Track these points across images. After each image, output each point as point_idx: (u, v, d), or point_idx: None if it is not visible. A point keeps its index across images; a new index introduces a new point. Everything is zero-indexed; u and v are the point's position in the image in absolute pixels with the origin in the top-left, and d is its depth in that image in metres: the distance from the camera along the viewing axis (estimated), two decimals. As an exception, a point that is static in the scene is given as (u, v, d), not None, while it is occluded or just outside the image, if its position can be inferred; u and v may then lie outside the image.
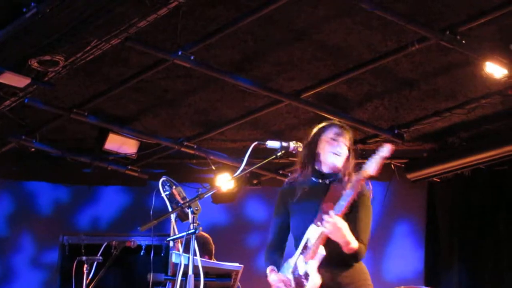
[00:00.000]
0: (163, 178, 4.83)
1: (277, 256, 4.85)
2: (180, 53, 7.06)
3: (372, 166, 4.46)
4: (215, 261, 6.51)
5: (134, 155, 9.68)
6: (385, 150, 4.48)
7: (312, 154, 4.81)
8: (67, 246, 10.79)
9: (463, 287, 9.49)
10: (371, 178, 4.60)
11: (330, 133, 4.81)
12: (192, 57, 7.16)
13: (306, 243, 4.61)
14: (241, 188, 10.66)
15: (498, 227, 9.48)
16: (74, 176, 10.64)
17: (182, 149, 9.51)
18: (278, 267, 4.76)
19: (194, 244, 4.53)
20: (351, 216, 4.58)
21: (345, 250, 4.52)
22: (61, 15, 6.25)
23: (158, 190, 4.79)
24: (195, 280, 4.48)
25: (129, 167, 10.13)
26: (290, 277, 4.62)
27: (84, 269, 6.21)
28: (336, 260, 4.56)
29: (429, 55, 7.46)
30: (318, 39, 7.26)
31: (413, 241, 10.38)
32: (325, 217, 4.47)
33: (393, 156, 9.62)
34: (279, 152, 4.79)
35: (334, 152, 4.74)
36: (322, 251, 4.53)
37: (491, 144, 8.86)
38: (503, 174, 9.37)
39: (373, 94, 8.43)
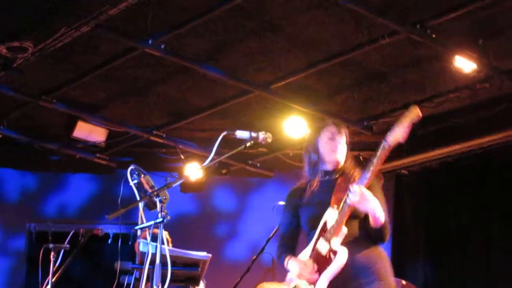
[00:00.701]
0: (132, 167, 4.83)
1: (290, 251, 4.92)
2: (150, 41, 7.04)
3: (400, 132, 4.71)
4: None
5: (102, 143, 9.64)
6: (413, 113, 4.61)
7: (315, 156, 4.92)
8: (34, 233, 10.75)
9: (429, 279, 9.56)
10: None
11: (328, 134, 4.92)
12: (162, 46, 7.14)
13: (324, 226, 4.68)
14: (210, 177, 10.66)
15: (464, 220, 9.56)
16: (42, 163, 10.57)
17: (151, 138, 9.48)
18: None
19: (162, 233, 4.54)
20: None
21: (373, 222, 4.63)
22: (31, 1, 6.21)
23: (126, 178, 4.78)
24: (162, 269, 4.49)
25: (98, 155, 10.10)
26: (310, 261, 4.67)
27: (51, 256, 6.18)
28: (355, 242, 4.66)
29: (399, 49, 7.49)
30: (290, 30, 7.26)
31: (380, 233, 10.44)
32: (351, 187, 4.55)
33: (362, 148, 9.74)
34: (248, 142, 4.82)
35: (334, 151, 4.87)
36: (344, 229, 4.60)
37: (458, 137, 8.93)
38: (469, 167, 9.44)
39: (342, 86, 8.46)
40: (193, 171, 9.98)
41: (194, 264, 5.60)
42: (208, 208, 11.00)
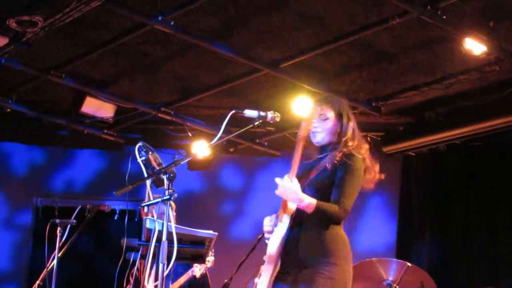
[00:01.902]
0: (140, 144, 4.83)
1: None
2: (160, 18, 7.03)
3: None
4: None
5: (110, 119, 9.64)
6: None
7: (308, 140, 4.90)
8: (41, 208, 10.78)
9: (434, 260, 9.57)
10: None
11: (309, 114, 4.93)
12: (172, 23, 7.12)
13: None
14: (217, 155, 10.67)
15: (469, 202, 9.57)
16: (50, 138, 10.59)
17: (159, 114, 9.48)
18: None
19: (168, 211, 4.54)
20: (335, 179, 4.66)
21: (306, 210, 4.58)
22: (41, -25, 6.20)
23: (134, 155, 4.79)
24: (168, 246, 4.50)
25: (105, 131, 10.11)
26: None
27: (58, 231, 6.19)
28: (306, 223, 4.65)
29: (409, 29, 7.46)
30: (299, 8, 7.24)
31: (386, 214, 10.45)
32: (276, 179, 4.62)
33: (370, 129, 9.73)
34: (256, 121, 4.82)
35: (312, 132, 4.86)
36: (290, 208, 4.67)
37: (467, 120, 8.90)
38: (477, 150, 9.44)
39: (351, 66, 8.43)
40: (201, 149, 9.98)
41: (200, 242, 5.60)
42: (215, 186, 11.02)
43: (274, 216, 4.82)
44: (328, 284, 4.53)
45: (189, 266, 7.99)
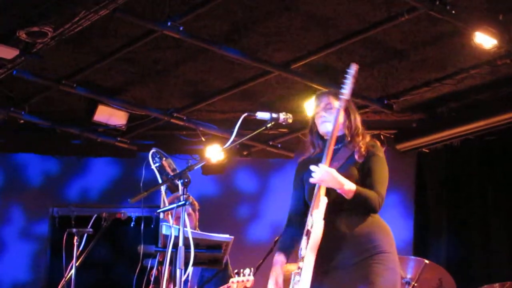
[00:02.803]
0: (153, 150, 4.83)
1: (293, 232, 4.88)
2: (169, 23, 7.03)
3: (347, 90, 4.75)
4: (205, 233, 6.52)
5: (123, 127, 9.66)
6: (353, 69, 4.79)
7: (313, 131, 4.92)
8: (57, 218, 10.81)
9: (452, 257, 9.53)
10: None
11: (316, 107, 4.93)
12: (181, 28, 7.13)
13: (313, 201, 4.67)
14: (231, 159, 10.67)
15: (486, 197, 9.52)
16: (64, 147, 10.62)
17: (172, 120, 9.49)
18: (292, 242, 4.84)
19: (184, 216, 4.54)
20: (365, 170, 4.67)
21: (346, 196, 4.54)
22: (49, -15, 6.22)
23: (148, 161, 4.79)
24: (185, 251, 4.50)
25: (119, 138, 10.13)
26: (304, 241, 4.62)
27: (75, 240, 6.20)
28: (346, 209, 4.60)
29: (418, 25, 7.45)
30: (307, 9, 7.24)
31: (402, 212, 10.41)
32: (312, 167, 4.57)
33: (383, 126, 9.71)
34: (269, 123, 4.81)
35: (322, 121, 4.85)
36: (323, 200, 4.58)
37: (480, 114, 8.88)
38: (492, 144, 9.40)
39: (362, 64, 8.40)
40: (214, 153, 9.98)
41: (217, 246, 5.60)
42: (229, 190, 11.01)
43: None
44: (389, 274, 4.50)
45: (221, 272, 7.70)
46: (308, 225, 4.60)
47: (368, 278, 4.47)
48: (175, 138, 10.32)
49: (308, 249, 4.54)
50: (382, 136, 9.87)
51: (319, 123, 4.86)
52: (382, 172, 4.72)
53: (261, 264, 6.96)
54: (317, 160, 4.73)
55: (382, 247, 4.59)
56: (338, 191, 4.54)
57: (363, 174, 4.66)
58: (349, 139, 4.80)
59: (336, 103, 4.84)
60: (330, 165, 4.66)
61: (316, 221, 4.55)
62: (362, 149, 4.70)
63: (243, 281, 6.60)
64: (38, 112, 9.42)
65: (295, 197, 4.98)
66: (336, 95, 4.89)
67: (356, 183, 4.59)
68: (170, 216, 4.69)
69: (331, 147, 4.64)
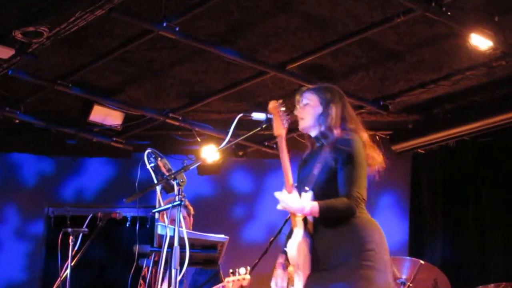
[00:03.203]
0: (148, 150, 4.83)
1: None
2: (165, 24, 7.03)
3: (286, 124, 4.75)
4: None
5: (119, 127, 9.66)
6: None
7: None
8: (53, 218, 10.80)
9: (447, 258, 9.54)
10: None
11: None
12: (177, 28, 7.13)
13: None
14: (227, 159, 10.67)
15: (481, 198, 9.54)
16: (59, 147, 10.61)
17: (167, 120, 9.49)
18: None
19: (180, 216, 4.55)
20: (338, 173, 4.59)
21: (314, 216, 4.52)
22: (45, -15, 6.21)
23: (144, 162, 4.79)
24: (180, 251, 4.50)
25: (114, 138, 10.12)
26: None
27: (70, 240, 6.19)
28: (324, 222, 4.56)
29: (414, 27, 7.46)
30: (304, 10, 7.24)
31: (397, 213, 10.42)
32: (276, 194, 4.60)
33: (378, 127, 9.71)
34: (264, 124, 4.82)
35: (298, 120, 4.87)
36: (299, 219, 4.61)
37: (475, 115, 8.88)
38: (487, 145, 9.41)
39: (358, 65, 8.43)
40: (210, 153, 9.98)
41: (213, 246, 5.60)
42: (225, 190, 11.01)
43: (278, 277, 4.72)
44: (369, 274, 4.43)
45: (214, 278, 7.72)
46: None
47: (351, 277, 4.43)
48: (171, 139, 10.31)
49: (293, 268, 4.60)
50: (377, 137, 9.88)
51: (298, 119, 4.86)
52: (352, 169, 4.57)
53: (256, 264, 6.96)
54: (304, 162, 4.83)
55: (366, 246, 4.52)
56: (303, 215, 4.55)
57: (334, 173, 4.61)
58: (326, 135, 4.74)
59: (309, 99, 4.83)
60: (312, 167, 4.66)
61: (292, 242, 4.59)
62: (328, 149, 4.63)
63: (238, 280, 6.60)
64: (33, 112, 9.41)
65: None
66: (315, 91, 4.87)
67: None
68: (165, 217, 4.69)
69: (287, 171, 4.64)
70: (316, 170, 4.63)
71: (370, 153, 4.76)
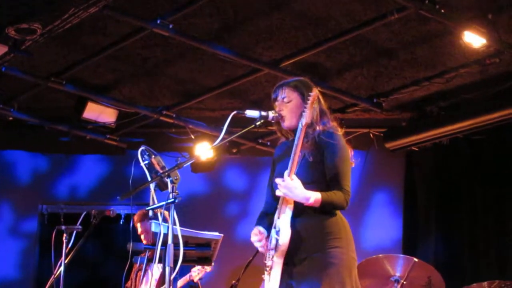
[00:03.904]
0: (142, 148, 4.83)
1: (266, 222, 4.86)
2: (158, 21, 7.03)
3: (307, 114, 4.55)
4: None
5: (112, 124, 9.64)
6: (313, 95, 4.59)
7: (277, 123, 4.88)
8: (46, 215, 10.79)
9: (440, 256, 9.56)
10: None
11: (273, 100, 4.91)
12: (170, 26, 7.12)
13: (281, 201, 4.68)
14: (220, 157, 10.66)
15: (475, 196, 9.55)
16: (52, 144, 10.59)
17: (161, 118, 9.48)
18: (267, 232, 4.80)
19: (174, 214, 4.54)
20: (324, 163, 4.62)
21: (309, 205, 4.54)
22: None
23: (137, 159, 4.79)
24: (174, 249, 4.50)
25: (108, 136, 10.11)
26: (274, 236, 4.64)
27: (64, 238, 6.20)
28: (310, 211, 4.59)
29: (408, 25, 7.46)
30: (297, 8, 7.24)
31: (391, 210, 10.44)
32: (277, 180, 4.59)
33: (372, 125, 9.72)
34: (258, 121, 4.81)
35: (280, 117, 4.82)
36: (289, 207, 4.61)
37: (469, 113, 8.89)
38: (480, 143, 9.42)
39: (352, 63, 8.43)
40: (204, 150, 9.97)
41: (206, 244, 5.60)
42: (219, 188, 11.01)
43: (257, 229, 4.79)
44: (332, 268, 4.50)
45: (186, 271, 7.85)
46: (276, 228, 4.64)
47: (318, 272, 4.50)
48: (164, 136, 10.30)
49: (278, 253, 4.59)
50: (371, 135, 9.89)
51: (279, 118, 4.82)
52: (342, 163, 4.64)
53: (250, 261, 6.97)
54: (282, 155, 4.81)
55: (332, 242, 4.56)
56: (305, 204, 4.56)
57: (322, 167, 4.63)
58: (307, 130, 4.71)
59: (292, 95, 4.81)
60: (293, 158, 4.62)
61: (283, 228, 4.58)
62: (311, 141, 4.65)
63: (203, 266, 6.68)
64: (27, 109, 9.40)
65: (268, 194, 5.00)
66: (295, 87, 4.85)
67: (317, 178, 4.61)
68: (159, 214, 4.69)
69: (295, 158, 4.57)
70: (297, 159, 4.62)
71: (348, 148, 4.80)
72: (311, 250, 4.55)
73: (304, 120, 4.54)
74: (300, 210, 4.60)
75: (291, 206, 4.61)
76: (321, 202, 4.52)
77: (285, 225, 4.58)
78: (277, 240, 4.59)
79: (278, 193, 4.60)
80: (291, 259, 4.59)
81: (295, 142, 4.56)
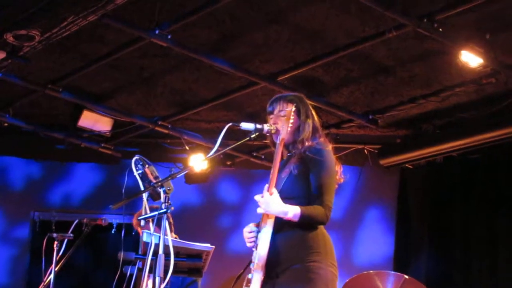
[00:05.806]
0: (136, 157, 4.83)
1: None
2: (157, 31, 7.04)
3: (284, 130, 4.67)
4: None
5: (108, 133, 9.64)
6: (287, 111, 4.73)
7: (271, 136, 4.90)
8: (38, 222, 10.76)
9: (431, 274, 9.55)
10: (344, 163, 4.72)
11: (269, 114, 4.94)
12: (169, 36, 7.13)
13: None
14: (214, 169, 10.66)
15: (467, 214, 9.55)
16: (47, 152, 10.58)
17: (157, 128, 9.48)
18: None
19: (165, 224, 4.54)
20: (310, 178, 4.64)
21: (293, 220, 4.55)
22: (38, -11, 6.21)
23: (131, 168, 4.79)
24: (165, 259, 4.49)
25: (103, 144, 10.10)
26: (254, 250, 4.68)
27: (55, 245, 6.19)
28: (290, 225, 4.60)
29: (406, 42, 7.47)
30: (296, 22, 7.25)
31: (383, 227, 10.44)
32: (255, 197, 4.64)
33: (367, 141, 9.73)
34: (253, 134, 4.82)
35: (275, 129, 4.83)
36: (271, 221, 4.63)
37: (464, 132, 8.90)
38: (474, 162, 9.43)
39: (349, 79, 8.44)
40: (198, 162, 9.98)
41: (198, 255, 5.60)
42: (212, 200, 11.00)
43: (251, 225, 4.83)
44: (310, 283, 4.50)
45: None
46: (256, 242, 4.67)
47: (297, 286, 4.50)
48: (159, 146, 10.30)
49: (256, 267, 4.60)
50: (366, 151, 9.90)
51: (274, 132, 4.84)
52: (324, 178, 4.65)
53: (241, 274, 6.94)
54: (283, 165, 4.79)
55: (311, 256, 4.56)
56: (284, 218, 4.56)
57: (308, 183, 4.65)
58: (296, 145, 4.77)
59: (288, 109, 4.82)
60: (281, 173, 4.70)
61: (261, 242, 4.61)
62: (298, 156, 4.68)
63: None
64: (22, 115, 9.39)
65: None
66: (291, 101, 4.88)
67: (303, 194, 4.63)
68: (151, 224, 4.68)
69: (274, 173, 4.62)
70: (284, 174, 4.69)
71: (337, 164, 4.81)
72: (291, 261, 4.55)
73: (280, 137, 4.60)
74: (280, 224, 4.61)
75: (272, 220, 4.63)
76: (300, 217, 4.53)
77: (264, 239, 4.60)
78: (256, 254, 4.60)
79: (258, 210, 4.64)
80: (272, 270, 4.59)
81: (274, 157, 4.60)
